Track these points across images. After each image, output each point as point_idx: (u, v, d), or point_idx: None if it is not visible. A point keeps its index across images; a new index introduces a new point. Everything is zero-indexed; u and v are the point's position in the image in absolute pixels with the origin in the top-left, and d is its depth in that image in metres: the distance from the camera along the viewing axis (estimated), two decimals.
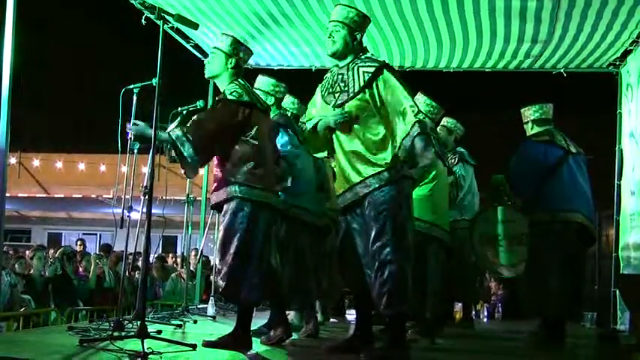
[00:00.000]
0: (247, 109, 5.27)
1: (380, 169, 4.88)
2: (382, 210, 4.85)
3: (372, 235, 4.86)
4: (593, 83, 10.20)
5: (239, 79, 5.43)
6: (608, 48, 8.46)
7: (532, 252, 6.58)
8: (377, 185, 4.87)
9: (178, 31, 8.61)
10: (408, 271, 4.84)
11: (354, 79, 5.01)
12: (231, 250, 5.13)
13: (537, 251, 6.47)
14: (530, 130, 6.76)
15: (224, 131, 5.22)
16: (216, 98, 5.37)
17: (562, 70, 9.19)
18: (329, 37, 5.16)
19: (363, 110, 4.95)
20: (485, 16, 7.80)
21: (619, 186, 8.58)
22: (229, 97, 5.25)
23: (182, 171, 5.30)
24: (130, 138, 5.43)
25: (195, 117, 5.25)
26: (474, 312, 9.18)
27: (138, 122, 5.13)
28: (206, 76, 5.58)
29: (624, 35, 7.98)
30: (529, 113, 6.76)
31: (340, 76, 5.12)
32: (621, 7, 7.23)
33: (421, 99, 6.74)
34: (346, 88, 5.03)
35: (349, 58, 5.13)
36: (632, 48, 8.27)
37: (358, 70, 5.01)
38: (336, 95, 5.09)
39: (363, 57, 5.10)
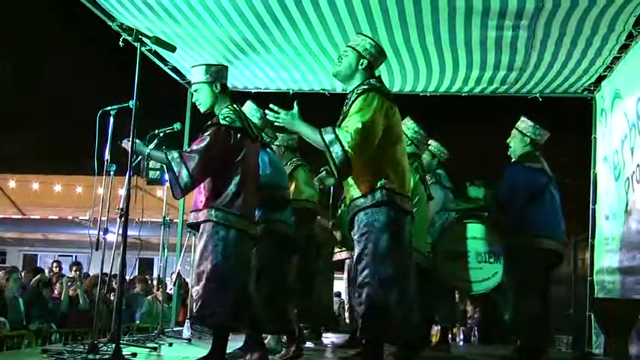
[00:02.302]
0: (239, 135, 5.30)
1: (363, 192, 4.88)
2: (365, 232, 4.85)
3: (355, 257, 4.89)
4: (568, 108, 10.28)
5: (233, 105, 5.47)
6: (582, 74, 8.55)
7: (509, 276, 6.61)
8: (361, 207, 4.88)
9: (156, 54, 8.62)
10: (386, 297, 4.78)
11: (349, 101, 5.02)
12: (205, 274, 5.14)
13: (515, 275, 6.51)
14: (523, 146, 6.80)
15: (218, 161, 5.24)
16: (209, 122, 5.37)
17: (537, 95, 9.29)
18: (338, 60, 5.25)
19: None
20: (461, 46, 7.90)
21: (594, 210, 8.63)
22: (222, 122, 5.27)
23: (159, 189, 5.33)
24: (107, 160, 5.44)
25: (197, 147, 5.24)
26: (450, 335, 9.18)
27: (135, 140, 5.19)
28: (202, 112, 5.57)
29: (598, 62, 8.08)
30: (532, 131, 6.79)
31: (346, 102, 5.13)
32: (595, 35, 7.32)
33: (409, 124, 6.79)
34: (346, 111, 5.03)
35: (355, 83, 5.12)
36: (606, 74, 8.37)
37: (354, 92, 5.01)
38: (341, 119, 5.11)
39: (366, 83, 5.07)
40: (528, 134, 6.80)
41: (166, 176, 5.35)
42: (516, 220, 6.51)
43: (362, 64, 5.13)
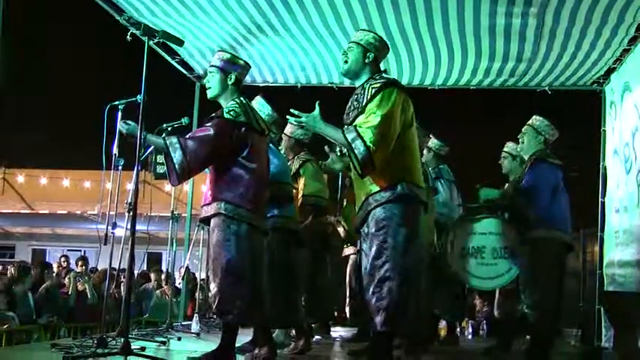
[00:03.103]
0: (243, 129, 5.26)
1: (382, 187, 4.88)
2: (383, 226, 4.84)
3: (373, 252, 4.84)
4: (577, 101, 10.25)
5: (240, 98, 5.43)
6: (592, 66, 8.52)
7: (530, 269, 6.63)
8: (380, 202, 4.86)
9: (164, 46, 8.60)
10: (407, 290, 4.79)
11: (364, 95, 5.00)
12: (221, 269, 5.14)
13: (537, 269, 6.53)
14: (537, 143, 6.84)
15: (218, 151, 5.22)
16: (213, 115, 5.35)
17: (546, 88, 9.26)
18: (343, 55, 5.24)
19: None
20: (470, 34, 7.85)
21: (603, 203, 8.61)
22: (226, 115, 5.24)
23: (167, 183, 5.30)
24: (115, 154, 5.43)
25: (197, 134, 5.25)
26: (458, 329, 9.15)
27: (129, 122, 5.16)
28: (209, 97, 5.55)
29: (608, 54, 8.05)
30: (547, 130, 6.84)
31: (355, 97, 5.13)
32: (604, 26, 7.29)
33: None
34: (358, 105, 5.03)
35: (364, 78, 5.14)
36: (615, 66, 8.33)
37: (370, 87, 5.00)
38: (350, 114, 5.09)
39: (377, 77, 5.09)
40: (543, 133, 6.83)
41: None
42: (540, 214, 6.55)
43: (369, 57, 5.15)
